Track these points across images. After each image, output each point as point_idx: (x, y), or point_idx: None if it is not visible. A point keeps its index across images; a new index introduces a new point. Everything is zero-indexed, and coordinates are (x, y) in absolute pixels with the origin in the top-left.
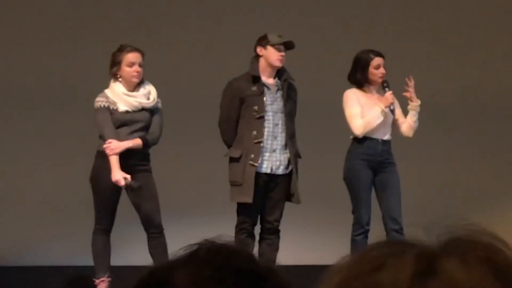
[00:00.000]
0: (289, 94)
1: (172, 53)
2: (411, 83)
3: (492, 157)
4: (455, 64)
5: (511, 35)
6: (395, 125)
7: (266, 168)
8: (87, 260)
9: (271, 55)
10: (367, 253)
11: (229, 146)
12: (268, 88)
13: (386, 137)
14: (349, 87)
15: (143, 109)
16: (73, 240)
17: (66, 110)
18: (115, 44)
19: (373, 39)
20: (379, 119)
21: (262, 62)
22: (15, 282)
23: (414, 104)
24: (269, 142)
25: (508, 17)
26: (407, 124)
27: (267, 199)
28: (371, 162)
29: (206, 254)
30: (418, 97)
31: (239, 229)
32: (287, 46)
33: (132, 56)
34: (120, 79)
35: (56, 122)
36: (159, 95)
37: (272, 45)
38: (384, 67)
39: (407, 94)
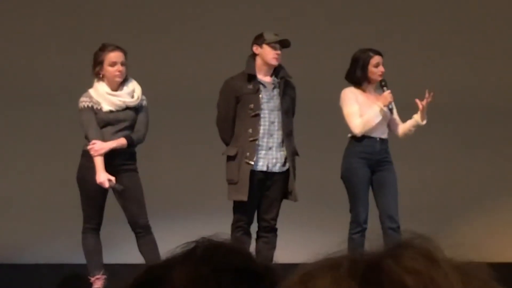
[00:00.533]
0: (286, 91)
1: (169, 51)
2: (429, 99)
3: (491, 156)
4: (453, 63)
5: (508, 34)
6: (391, 124)
7: (262, 166)
8: (81, 258)
9: (267, 54)
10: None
11: (227, 145)
12: (264, 86)
13: (384, 135)
14: (347, 86)
15: (127, 108)
16: (70, 238)
17: (61, 108)
18: (102, 41)
19: (371, 38)
20: (378, 118)
21: (258, 61)
22: (12, 280)
23: (420, 121)
24: (265, 140)
25: (507, 16)
26: (405, 129)
27: (263, 197)
28: (369, 161)
29: (204, 252)
30: (415, 94)
31: (235, 227)
32: (283, 44)
33: (114, 56)
34: (103, 79)
35: (52, 120)
36: (153, 93)
37: (268, 44)
38: (383, 66)
39: (420, 104)
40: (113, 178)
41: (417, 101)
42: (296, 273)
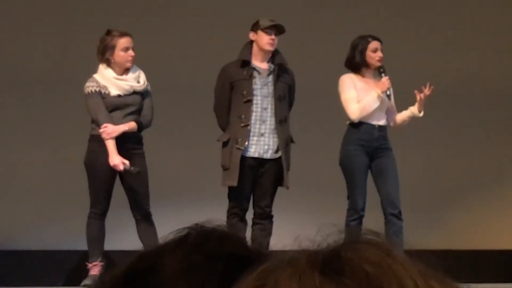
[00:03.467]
0: (281, 77)
1: (166, 38)
2: (427, 93)
3: (488, 145)
4: (452, 51)
5: (505, 22)
6: (387, 112)
7: (254, 152)
8: (80, 244)
9: (261, 39)
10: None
11: (224, 131)
12: (259, 73)
13: (382, 122)
14: (343, 72)
15: (134, 92)
16: (66, 225)
17: (59, 94)
18: (106, 28)
19: (369, 25)
20: (376, 103)
21: (255, 47)
22: (7, 266)
23: (417, 113)
24: (257, 126)
25: (506, 4)
26: (400, 119)
27: (257, 184)
28: (367, 148)
29: (196, 239)
30: (413, 82)
31: (230, 213)
32: (279, 30)
33: (125, 41)
34: (110, 64)
35: (48, 106)
36: (153, 80)
37: (263, 29)
38: (382, 51)
39: (418, 95)
40: (127, 162)
41: (416, 92)
42: (254, 271)
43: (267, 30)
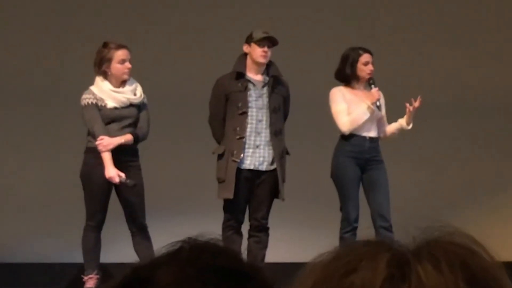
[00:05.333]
0: (276, 89)
1: (161, 50)
2: (417, 105)
3: (483, 155)
4: (445, 61)
5: (501, 31)
6: (379, 123)
7: (249, 164)
8: (75, 257)
9: (255, 51)
10: (341, 254)
11: (219, 144)
12: (254, 85)
13: (373, 134)
14: (336, 84)
15: (131, 105)
16: (61, 237)
17: (55, 106)
18: (100, 41)
19: (362, 37)
20: (366, 115)
21: (249, 59)
22: (3, 279)
23: (405, 125)
24: (252, 138)
25: (505, 15)
26: (389, 131)
27: (253, 196)
28: (358, 160)
29: (189, 252)
30: (407, 93)
31: (225, 226)
32: (272, 42)
33: (122, 53)
34: (107, 76)
35: (44, 118)
36: (147, 92)
37: (256, 42)
38: (373, 64)
39: (408, 108)
40: (123, 174)
41: (407, 105)
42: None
43: (260, 42)
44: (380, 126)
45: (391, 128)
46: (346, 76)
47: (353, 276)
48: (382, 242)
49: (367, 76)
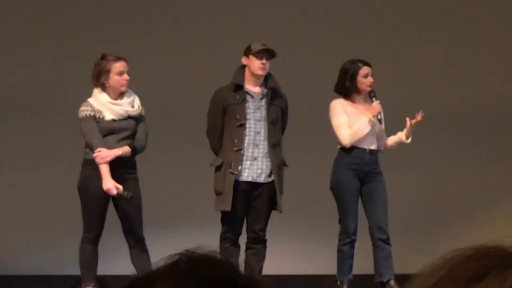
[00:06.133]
0: (274, 101)
1: (159, 62)
2: (418, 119)
3: (482, 168)
4: (443, 73)
5: (497, 43)
6: (379, 135)
7: (247, 176)
8: (73, 269)
9: (253, 64)
10: (473, 257)
11: (217, 155)
12: (252, 96)
13: (373, 146)
14: (336, 97)
15: (129, 117)
16: (59, 249)
17: (52, 118)
18: (98, 53)
19: (361, 49)
20: (367, 128)
21: (247, 71)
22: None
23: (404, 139)
24: (250, 150)
25: (505, 26)
26: (388, 144)
27: (250, 208)
28: (358, 172)
29: (187, 265)
30: (409, 104)
31: (223, 238)
32: (271, 54)
33: (120, 65)
34: (105, 88)
35: (42, 130)
36: (145, 103)
37: (254, 54)
38: (372, 76)
39: (409, 122)
40: (120, 186)
41: (408, 119)
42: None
43: (258, 54)
44: (379, 139)
45: (390, 141)
46: (347, 89)
47: (480, 284)
48: (509, 254)
49: (368, 89)
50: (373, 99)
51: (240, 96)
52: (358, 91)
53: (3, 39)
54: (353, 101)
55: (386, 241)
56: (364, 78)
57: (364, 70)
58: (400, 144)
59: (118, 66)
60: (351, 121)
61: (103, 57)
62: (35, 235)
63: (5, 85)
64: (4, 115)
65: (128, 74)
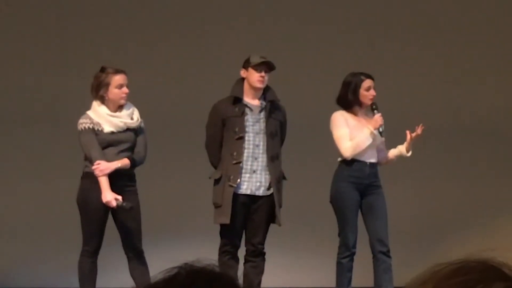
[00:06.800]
0: (273, 114)
1: (158, 75)
2: (418, 132)
3: (482, 179)
4: (443, 87)
5: (497, 57)
6: (380, 148)
7: (246, 189)
8: (72, 282)
9: (251, 76)
10: (460, 271)
11: (216, 168)
12: (251, 109)
13: (373, 159)
14: (334, 109)
15: (128, 129)
16: (58, 263)
17: (52, 131)
18: (97, 66)
19: (362, 62)
20: (368, 141)
21: (246, 84)
22: None
23: (405, 152)
24: (249, 163)
25: (500, 39)
26: (388, 158)
27: (249, 221)
28: (358, 185)
29: (186, 278)
30: (407, 116)
31: (222, 251)
32: (269, 67)
33: (120, 78)
34: (104, 101)
35: (41, 143)
36: (143, 115)
37: (253, 66)
38: (374, 89)
39: (409, 135)
40: (119, 197)
41: (408, 132)
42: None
43: (257, 67)
44: (380, 151)
45: (391, 154)
46: (349, 101)
47: None
48: (499, 269)
49: (370, 102)
50: (375, 111)
51: (239, 109)
52: (360, 104)
53: (4, 53)
54: (354, 113)
55: (387, 254)
56: (367, 91)
57: (367, 83)
58: (400, 157)
59: (118, 79)
60: (352, 134)
61: (103, 69)
62: (34, 248)
63: (2, 97)
64: (3, 127)
65: (128, 87)
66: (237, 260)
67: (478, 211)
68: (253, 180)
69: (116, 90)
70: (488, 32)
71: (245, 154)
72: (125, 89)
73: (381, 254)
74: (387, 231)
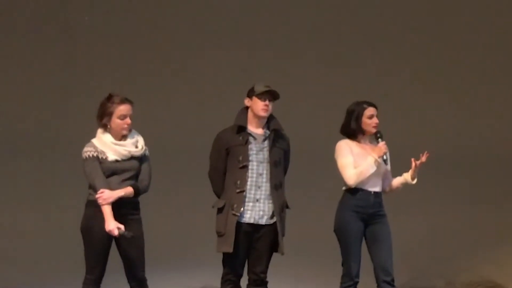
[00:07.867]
0: (276, 143)
1: (163, 103)
2: (423, 160)
3: (489, 207)
4: (448, 115)
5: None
6: (385, 176)
7: (249, 218)
8: None
9: (256, 105)
10: None
11: (219, 197)
12: (255, 138)
13: (378, 188)
14: (338, 138)
15: (132, 157)
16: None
17: (56, 159)
18: (102, 93)
19: (366, 89)
20: (373, 169)
21: (250, 113)
22: None
23: (410, 180)
24: (253, 192)
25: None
26: (393, 186)
27: (252, 250)
28: (362, 214)
29: None
30: (408, 144)
31: (224, 280)
32: (274, 96)
33: (124, 109)
34: (108, 129)
35: (44, 171)
36: (148, 143)
37: (257, 95)
38: (377, 117)
39: (414, 163)
40: (122, 226)
41: (413, 160)
42: None
43: (261, 95)
44: (385, 179)
45: (396, 182)
46: (352, 130)
47: None
48: None
49: (373, 130)
50: (379, 140)
51: (243, 138)
52: (363, 132)
53: (8, 80)
54: (358, 142)
55: (391, 283)
56: (369, 119)
57: (369, 111)
58: (406, 185)
59: (122, 109)
60: (357, 162)
61: (109, 97)
62: (37, 277)
63: (6, 124)
64: (9, 154)
65: (131, 118)
66: None
67: (484, 238)
68: (256, 209)
69: (118, 121)
70: (489, 62)
71: (248, 183)
72: (127, 120)
73: (385, 284)
74: (392, 260)
